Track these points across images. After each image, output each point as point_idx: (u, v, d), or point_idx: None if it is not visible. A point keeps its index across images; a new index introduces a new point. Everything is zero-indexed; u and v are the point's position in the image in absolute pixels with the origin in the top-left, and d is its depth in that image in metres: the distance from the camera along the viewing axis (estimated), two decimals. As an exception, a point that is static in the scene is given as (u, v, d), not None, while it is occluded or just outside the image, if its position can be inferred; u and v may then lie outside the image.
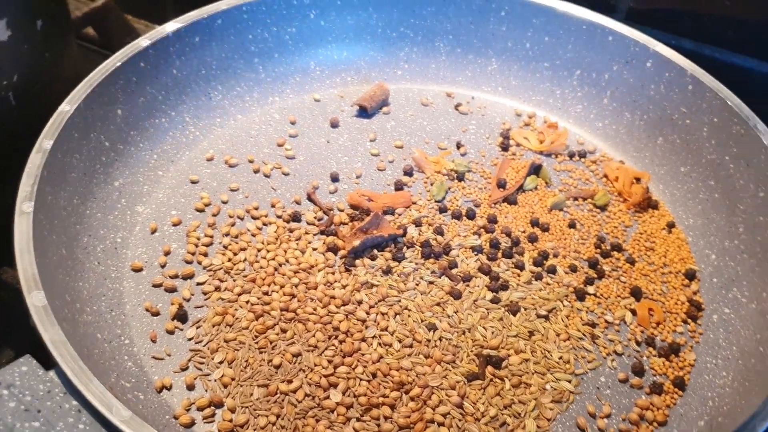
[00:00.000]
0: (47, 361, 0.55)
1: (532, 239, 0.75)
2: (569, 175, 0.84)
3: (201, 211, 0.77)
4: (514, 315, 0.69)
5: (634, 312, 0.70)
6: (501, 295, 0.70)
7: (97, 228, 0.72)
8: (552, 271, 0.73)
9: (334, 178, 0.81)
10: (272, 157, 0.83)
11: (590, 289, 0.71)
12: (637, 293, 0.71)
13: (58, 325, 0.56)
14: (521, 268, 0.73)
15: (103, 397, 0.52)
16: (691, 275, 0.73)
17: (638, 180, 0.82)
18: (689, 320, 0.70)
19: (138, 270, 0.72)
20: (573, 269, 0.73)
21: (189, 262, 0.73)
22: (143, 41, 0.79)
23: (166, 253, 0.73)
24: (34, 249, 0.60)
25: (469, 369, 0.65)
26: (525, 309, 0.69)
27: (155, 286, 0.71)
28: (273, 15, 0.88)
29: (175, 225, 0.76)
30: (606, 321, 0.69)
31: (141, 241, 0.74)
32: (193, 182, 0.80)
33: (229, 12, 0.85)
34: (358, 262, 0.72)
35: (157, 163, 0.81)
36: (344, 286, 0.70)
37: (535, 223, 0.77)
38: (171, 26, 0.81)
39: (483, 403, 0.63)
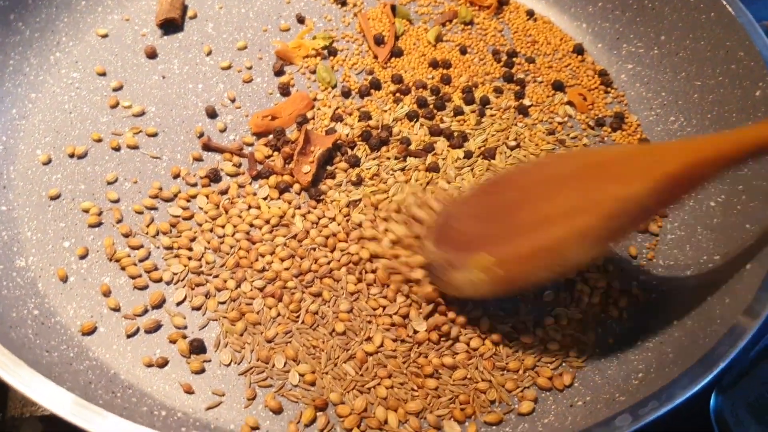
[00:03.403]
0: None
1: (446, 81, 0.71)
2: (418, 5, 0.79)
3: (97, 225, 0.60)
4: (494, 158, 0.66)
5: (571, 104, 0.72)
6: (468, 146, 0.67)
7: (1, 311, 0.52)
8: (485, 102, 0.70)
9: (211, 114, 0.67)
10: (120, 123, 0.66)
11: (526, 102, 0.71)
12: (558, 86, 0.73)
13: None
14: (461, 113, 0.69)
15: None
16: (579, 50, 0.76)
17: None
18: (608, 88, 0.74)
19: (91, 331, 0.55)
20: (499, 91, 0.72)
21: (144, 287, 0.57)
22: None
23: (106, 293, 0.56)
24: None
25: (501, 227, 0.62)
26: (497, 148, 0.67)
27: (131, 335, 0.55)
28: (7, -52, 0.65)
29: (83, 257, 0.58)
30: (557, 123, 0.70)
31: (62, 297, 0.56)
32: (54, 197, 0.61)
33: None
34: (322, 187, 0.63)
35: (-10, 198, 0.59)
36: (332, 219, 0.61)
37: (434, 64, 0.73)
38: None
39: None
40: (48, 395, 0.44)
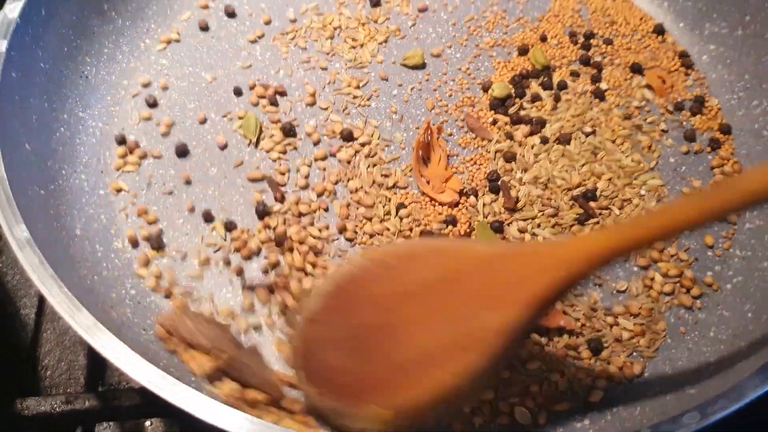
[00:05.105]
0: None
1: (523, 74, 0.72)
2: None
3: (191, 210, 0.63)
4: (569, 144, 0.67)
5: (650, 87, 0.71)
6: (544, 132, 0.67)
7: (101, 297, 0.56)
8: (563, 87, 0.70)
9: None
10: (206, 109, 0.68)
11: (602, 85, 0.71)
12: (637, 68, 0.72)
13: None
14: (539, 99, 0.69)
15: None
16: (660, 30, 0.75)
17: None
18: (688, 70, 0.73)
19: (183, 310, 0.58)
20: (576, 75, 0.71)
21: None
22: (0, 45, 0.58)
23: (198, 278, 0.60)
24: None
25: (575, 214, 0.63)
26: (572, 134, 0.67)
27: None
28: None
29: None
30: (635, 107, 0.70)
31: (154, 279, 0.59)
32: (146, 183, 0.64)
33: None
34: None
35: (90, 183, 0.63)
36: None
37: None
38: (13, 9, 0.60)
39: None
40: (144, 373, 0.47)
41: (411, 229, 0.61)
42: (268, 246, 0.60)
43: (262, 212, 0.61)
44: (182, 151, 0.65)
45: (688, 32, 0.75)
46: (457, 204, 0.63)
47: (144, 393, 0.58)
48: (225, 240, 0.61)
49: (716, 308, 0.59)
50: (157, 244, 0.60)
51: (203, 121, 0.67)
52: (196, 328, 0.53)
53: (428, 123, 0.65)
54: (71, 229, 0.58)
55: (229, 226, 0.61)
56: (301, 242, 0.60)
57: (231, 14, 0.74)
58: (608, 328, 0.57)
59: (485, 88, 0.70)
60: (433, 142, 0.65)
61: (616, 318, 0.58)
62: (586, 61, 0.72)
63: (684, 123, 0.69)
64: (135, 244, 0.60)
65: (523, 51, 0.73)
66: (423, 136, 0.65)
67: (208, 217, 0.62)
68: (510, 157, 0.65)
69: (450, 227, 0.62)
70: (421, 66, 0.71)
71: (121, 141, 0.65)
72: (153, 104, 0.68)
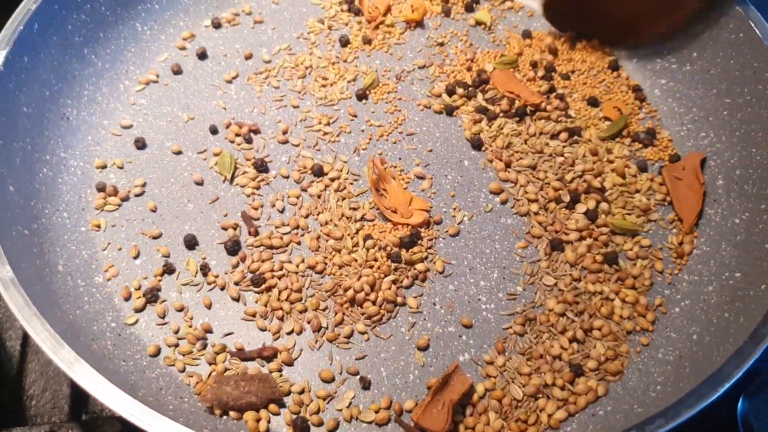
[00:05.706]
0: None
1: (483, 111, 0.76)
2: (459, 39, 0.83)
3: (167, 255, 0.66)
4: (534, 169, 0.70)
5: (607, 119, 0.75)
6: (503, 165, 0.71)
7: (83, 331, 0.59)
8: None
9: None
10: (184, 148, 0.72)
11: (571, 112, 0.75)
12: (593, 102, 0.76)
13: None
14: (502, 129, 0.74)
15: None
16: (614, 66, 0.80)
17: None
18: (641, 103, 0.77)
19: (156, 353, 0.61)
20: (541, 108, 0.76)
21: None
22: (-16, 93, 0.61)
23: (179, 309, 0.63)
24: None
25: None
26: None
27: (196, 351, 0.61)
28: (80, -10, 0.72)
29: (156, 275, 0.65)
30: (594, 141, 0.74)
31: (134, 311, 0.62)
32: (153, 210, 0.68)
33: (41, 9, 0.67)
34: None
35: (72, 221, 0.66)
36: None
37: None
38: (-3, 58, 0.63)
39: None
40: (123, 404, 0.50)
41: (376, 259, 0.64)
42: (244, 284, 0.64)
43: (232, 249, 0.65)
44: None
45: (640, 68, 0.79)
46: (428, 222, 0.67)
47: (125, 421, 0.61)
48: (196, 276, 0.64)
49: (665, 330, 0.63)
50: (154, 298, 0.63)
51: (180, 158, 0.71)
52: (240, 392, 0.56)
53: (371, 159, 0.68)
54: (54, 265, 0.61)
55: (204, 269, 0.64)
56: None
57: (203, 54, 0.78)
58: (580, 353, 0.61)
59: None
60: (382, 175, 0.68)
61: (584, 344, 0.61)
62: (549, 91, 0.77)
63: (636, 153, 0.73)
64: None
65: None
66: (371, 173, 0.68)
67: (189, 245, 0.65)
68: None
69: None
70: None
71: (101, 189, 0.68)
72: (136, 144, 0.71)
